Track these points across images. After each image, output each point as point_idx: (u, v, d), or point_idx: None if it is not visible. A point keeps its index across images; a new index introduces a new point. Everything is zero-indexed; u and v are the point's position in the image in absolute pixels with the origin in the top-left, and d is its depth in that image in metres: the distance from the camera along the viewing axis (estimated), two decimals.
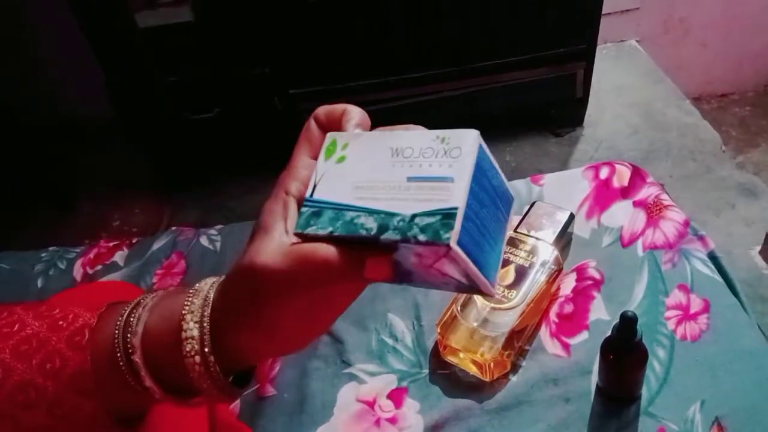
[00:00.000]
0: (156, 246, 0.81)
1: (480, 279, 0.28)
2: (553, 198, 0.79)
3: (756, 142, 1.89)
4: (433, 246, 0.27)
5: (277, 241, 0.31)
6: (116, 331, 0.33)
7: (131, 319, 0.34)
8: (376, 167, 0.30)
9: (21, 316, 0.35)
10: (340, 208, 0.30)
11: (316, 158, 0.33)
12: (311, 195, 0.32)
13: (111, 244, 0.82)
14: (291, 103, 1.52)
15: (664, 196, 0.76)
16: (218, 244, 0.81)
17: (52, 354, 0.33)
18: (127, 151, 1.69)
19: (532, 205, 0.75)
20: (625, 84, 1.85)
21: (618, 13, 1.83)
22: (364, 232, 0.28)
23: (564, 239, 0.73)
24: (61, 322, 0.34)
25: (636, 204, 0.76)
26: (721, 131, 1.78)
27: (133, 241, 0.83)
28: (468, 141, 0.29)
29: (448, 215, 0.27)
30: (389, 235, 0.28)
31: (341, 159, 0.32)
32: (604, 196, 0.78)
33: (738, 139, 1.89)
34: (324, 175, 0.32)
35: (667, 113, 1.76)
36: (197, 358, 0.32)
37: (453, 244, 0.26)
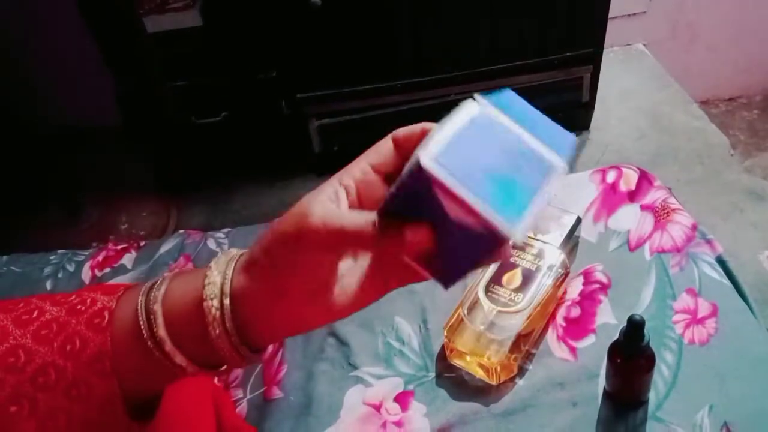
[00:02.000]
0: (164, 249, 0.81)
1: (484, 212, 0.27)
2: (560, 201, 0.79)
3: (764, 146, 1.88)
4: (415, 173, 0.27)
5: (325, 203, 0.32)
6: (139, 305, 0.34)
7: (151, 294, 0.35)
8: None
9: (38, 303, 0.36)
10: None
11: (378, 170, 0.35)
12: None
13: (119, 247, 0.83)
14: (297, 107, 1.53)
15: (672, 200, 0.76)
16: (225, 247, 0.81)
17: (72, 336, 0.34)
18: (133, 156, 1.70)
19: None
20: (632, 88, 1.85)
21: (625, 17, 1.82)
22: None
23: (571, 243, 0.73)
24: (79, 306, 0.35)
25: (643, 208, 0.76)
26: (729, 135, 1.78)
27: (141, 244, 0.84)
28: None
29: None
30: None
31: None
32: (611, 199, 0.78)
33: (746, 144, 1.89)
34: None
35: (675, 117, 1.76)
36: (216, 313, 0.33)
37: (424, 159, 0.26)
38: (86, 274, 0.79)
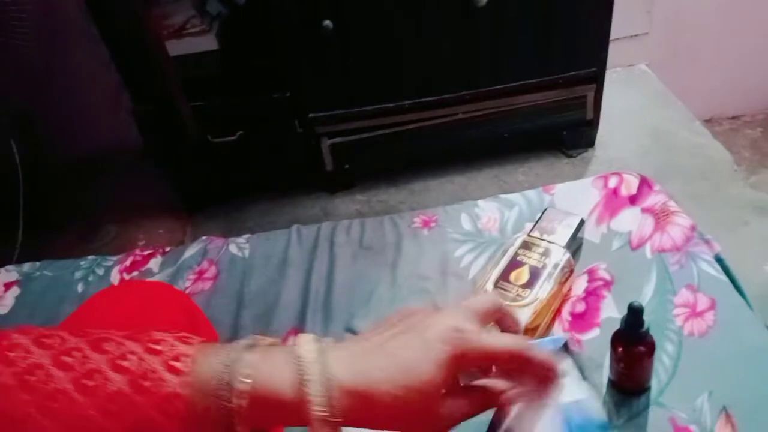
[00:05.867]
0: (188, 254, 0.86)
1: None
2: (564, 206, 0.83)
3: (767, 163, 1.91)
4: None
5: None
6: (215, 408, 0.36)
7: (231, 386, 0.36)
8: None
9: (98, 365, 0.36)
10: None
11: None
12: None
13: (146, 253, 0.87)
14: (310, 126, 1.59)
15: (671, 203, 0.80)
16: (246, 251, 0.85)
17: (144, 420, 0.35)
18: (149, 175, 1.75)
19: (544, 212, 0.79)
20: (635, 106, 1.89)
21: (627, 38, 1.88)
22: None
23: (575, 243, 0.77)
24: (143, 382, 0.35)
25: (644, 210, 0.79)
26: (732, 153, 1.81)
27: (166, 249, 0.88)
28: None
29: None
30: None
31: None
32: (613, 203, 0.81)
33: (750, 160, 1.92)
34: None
35: (678, 134, 1.80)
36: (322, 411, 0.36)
37: None
38: (115, 277, 0.84)
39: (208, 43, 1.56)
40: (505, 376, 0.45)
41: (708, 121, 2.03)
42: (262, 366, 0.38)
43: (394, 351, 0.40)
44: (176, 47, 1.49)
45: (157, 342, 0.38)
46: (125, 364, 0.36)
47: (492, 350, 0.41)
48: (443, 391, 0.40)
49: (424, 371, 0.39)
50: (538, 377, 0.44)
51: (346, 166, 1.67)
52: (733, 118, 2.08)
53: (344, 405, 0.37)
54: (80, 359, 0.35)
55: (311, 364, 0.38)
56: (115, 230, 1.72)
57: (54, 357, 0.35)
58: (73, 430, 0.34)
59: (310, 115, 1.57)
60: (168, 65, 1.45)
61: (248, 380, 0.37)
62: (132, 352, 0.37)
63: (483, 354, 0.41)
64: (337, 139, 1.62)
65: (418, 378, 0.38)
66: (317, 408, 0.36)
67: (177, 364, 0.37)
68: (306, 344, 0.39)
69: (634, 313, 0.56)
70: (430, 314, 0.42)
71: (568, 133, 1.73)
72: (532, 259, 0.72)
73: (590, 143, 1.76)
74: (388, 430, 0.40)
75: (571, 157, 1.75)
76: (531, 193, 0.88)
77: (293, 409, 0.37)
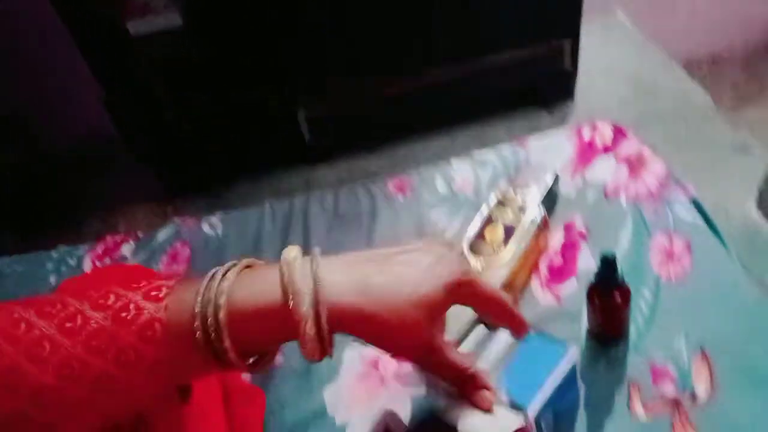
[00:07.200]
0: (161, 237, 0.84)
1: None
2: (539, 160, 0.82)
3: (748, 102, 1.90)
4: None
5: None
6: (197, 325, 0.35)
7: (209, 303, 0.36)
8: None
9: (77, 307, 0.36)
10: None
11: None
12: None
13: (117, 239, 0.85)
14: (286, 99, 1.56)
15: (646, 150, 0.79)
16: (220, 230, 0.84)
17: (126, 348, 0.35)
18: (127, 164, 1.73)
19: (518, 168, 0.78)
20: (613, 55, 1.87)
21: None
22: None
23: (550, 198, 0.76)
24: (124, 314, 0.35)
25: (619, 159, 0.78)
26: (713, 94, 1.79)
27: (139, 235, 0.87)
28: None
29: None
30: None
31: None
32: (587, 154, 0.80)
33: (731, 101, 1.91)
34: None
35: (658, 81, 1.78)
36: (309, 320, 0.35)
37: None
38: (88, 266, 0.82)
39: (172, 18, 1.51)
40: (482, 317, 0.48)
41: (687, 65, 2.01)
42: (244, 278, 0.37)
43: (396, 264, 0.39)
44: (139, 26, 1.45)
45: (137, 282, 0.38)
46: (106, 302, 0.36)
47: (488, 292, 0.42)
48: (441, 317, 0.41)
49: (427, 287, 0.38)
50: (512, 329, 0.47)
51: (325, 137, 1.65)
52: (713, 59, 2.06)
53: (334, 311, 0.36)
54: (61, 307, 0.36)
55: (297, 267, 0.36)
56: (96, 222, 1.70)
57: (37, 309, 0.36)
58: (60, 372, 0.34)
59: (286, 87, 1.54)
60: (132, 46, 1.41)
61: (225, 294, 0.36)
62: (112, 292, 0.37)
63: (480, 291, 0.41)
64: (314, 110, 1.59)
65: (418, 292, 0.37)
66: (304, 310, 0.35)
67: (155, 293, 0.36)
68: (291, 251, 0.38)
69: (608, 263, 0.55)
70: (436, 243, 0.42)
71: (547, 88, 1.71)
72: (507, 216, 0.71)
73: (570, 95, 1.74)
74: (376, 345, 0.39)
75: (551, 111, 1.74)
76: (505, 149, 0.86)
77: (280, 318, 0.36)
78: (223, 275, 0.37)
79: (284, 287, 0.36)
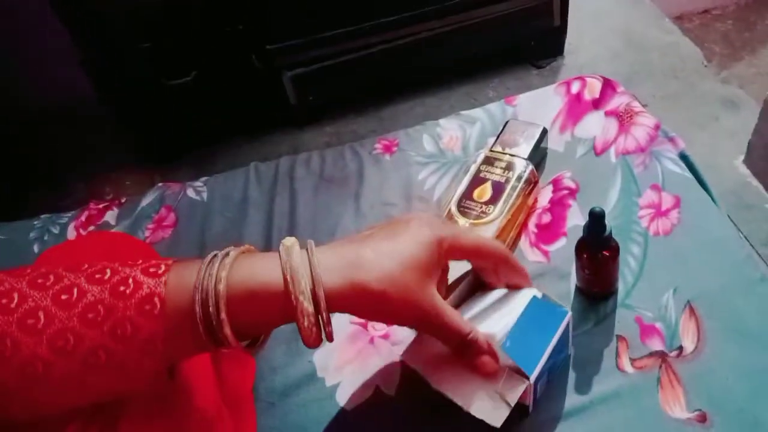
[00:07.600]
0: (145, 202, 0.83)
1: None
2: (528, 116, 0.81)
3: (739, 56, 1.88)
4: None
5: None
6: (196, 299, 0.36)
7: (209, 279, 0.37)
8: None
9: (72, 280, 0.35)
10: None
11: None
12: None
13: (101, 206, 0.84)
14: (268, 59, 1.52)
15: (635, 104, 0.78)
16: (205, 195, 0.82)
17: (123, 321, 0.34)
18: (113, 127, 1.69)
19: (506, 125, 0.77)
20: (603, 9, 1.83)
21: None
22: None
23: (539, 154, 0.75)
24: (122, 288, 0.35)
25: (608, 114, 0.77)
26: (703, 48, 1.77)
27: (122, 201, 0.85)
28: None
29: None
30: None
31: None
32: (576, 109, 0.79)
33: (721, 55, 1.88)
34: None
35: (648, 34, 1.75)
36: (309, 308, 0.38)
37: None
38: (72, 234, 0.81)
39: None
40: (479, 272, 0.50)
41: (678, 18, 1.98)
42: (244, 260, 0.39)
43: (382, 238, 0.42)
44: None
45: (133, 259, 0.38)
46: (103, 276, 0.36)
47: (472, 241, 0.45)
48: (435, 278, 0.43)
49: (413, 249, 0.41)
50: (512, 279, 0.49)
51: (310, 98, 1.62)
52: (704, 12, 2.03)
53: (332, 290, 0.38)
54: (55, 279, 0.35)
55: (295, 251, 0.39)
56: (81, 187, 1.68)
57: (30, 281, 0.35)
58: (54, 342, 0.33)
59: (267, 46, 1.49)
60: (107, 5, 1.36)
61: (226, 271, 0.37)
62: (107, 267, 0.37)
63: (464, 242, 0.44)
64: (298, 70, 1.55)
65: (406, 255, 0.41)
66: (302, 289, 0.37)
67: (154, 269, 0.37)
68: (289, 240, 0.41)
69: (596, 219, 0.54)
70: (410, 214, 0.46)
71: (536, 43, 1.68)
72: (494, 174, 0.70)
73: (559, 51, 1.71)
74: (375, 318, 0.43)
75: (540, 67, 1.71)
76: (493, 107, 0.85)
77: (278, 298, 0.37)
78: (224, 257, 0.39)
79: (283, 268, 0.38)
